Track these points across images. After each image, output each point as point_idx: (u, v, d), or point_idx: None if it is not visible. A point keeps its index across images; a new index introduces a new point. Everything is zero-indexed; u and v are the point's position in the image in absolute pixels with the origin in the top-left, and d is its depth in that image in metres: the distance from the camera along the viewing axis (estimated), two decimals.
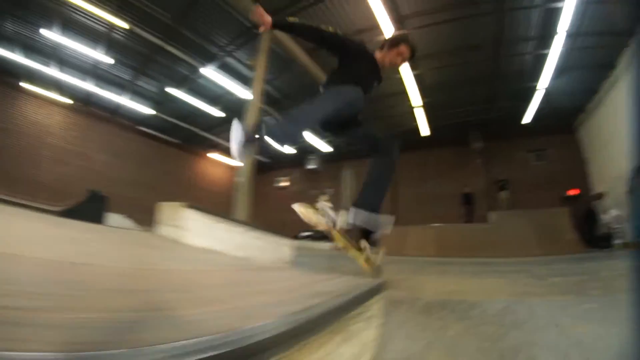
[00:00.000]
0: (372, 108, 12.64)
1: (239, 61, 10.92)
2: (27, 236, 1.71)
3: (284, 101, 12.76)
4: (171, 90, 12.99)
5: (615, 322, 1.31)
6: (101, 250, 1.78)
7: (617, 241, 7.76)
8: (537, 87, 10.91)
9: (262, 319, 0.53)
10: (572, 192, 12.22)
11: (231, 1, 8.59)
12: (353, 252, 2.48)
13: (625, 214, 7.09)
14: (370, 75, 2.43)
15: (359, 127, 2.48)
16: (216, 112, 14.18)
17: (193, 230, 2.70)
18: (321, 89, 2.46)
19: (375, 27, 9.06)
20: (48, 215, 4.59)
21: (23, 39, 11.79)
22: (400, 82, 11.05)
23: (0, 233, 1.59)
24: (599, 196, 9.70)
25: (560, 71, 10.03)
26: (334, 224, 2.50)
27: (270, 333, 0.49)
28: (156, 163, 17.63)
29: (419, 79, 11.11)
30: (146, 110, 15.00)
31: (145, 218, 12.65)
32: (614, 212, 8.31)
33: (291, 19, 2.30)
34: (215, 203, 17.40)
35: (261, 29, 2.18)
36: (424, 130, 14.21)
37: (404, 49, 2.36)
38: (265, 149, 1.85)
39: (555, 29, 8.55)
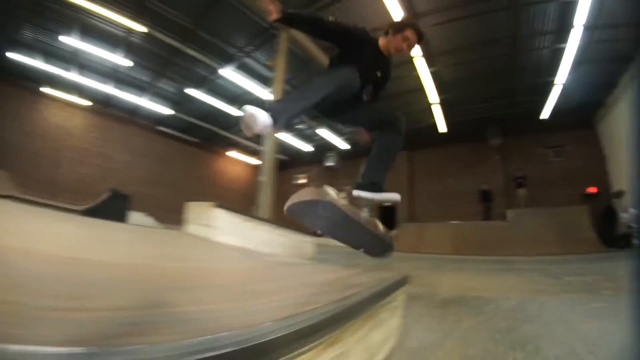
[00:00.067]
0: (390, 105, 12.68)
1: (257, 61, 11.08)
2: (77, 238, 1.88)
3: None
4: (190, 91, 13.25)
5: (622, 320, 1.40)
6: (157, 252, 1.95)
7: (636, 241, 7.61)
8: (555, 82, 10.73)
9: (314, 305, 0.67)
10: (591, 190, 12.00)
11: (248, 3, 8.74)
12: None
13: None
14: (372, 62, 2.29)
15: (362, 108, 2.39)
16: (235, 112, 14.33)
17: (222, 228, 2.86)
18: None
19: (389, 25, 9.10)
20: (75, 215, 4.83)
21: (42, 45, 12.14)
22: (417, 79, 11.08)
23: (53, 237, 1.76)
24: (619, 194, 9.50)
25: (577, 65, 9.86)
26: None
27: (321, 317, 0.62)
28: (176, 162, 17.95)
29: (436, 76, 11.09)
30: (165, 110, 15.31)
31: (165, 216, 13.06)
32: (633, 211, 8.16)
33: (290, 11, 2.19)
34: (235, 201, 17.59)
35: (272, 17, 2.06)
36: (442, 126, 14.15)
37: (409, 33, 2.20)
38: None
39: (572, 22, 8.42)
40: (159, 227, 9.00)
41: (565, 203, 10.46)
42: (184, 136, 17.54)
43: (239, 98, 13.36)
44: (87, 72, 13.30)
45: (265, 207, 7.59)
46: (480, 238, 9.31)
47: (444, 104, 12.54)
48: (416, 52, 9.94)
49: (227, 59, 11.11)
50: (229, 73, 11.52)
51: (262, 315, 0.60)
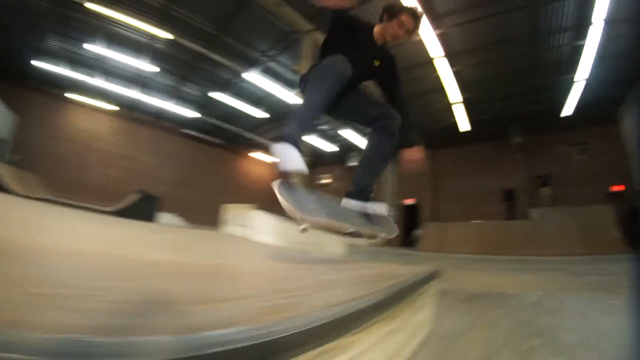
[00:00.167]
0: (413, 104, 12.75)
1: (281, 65, 11.30)
2: (112, 237, 2.09)
3: None
4: (214, 94, 13.57)
5: (634, 316, 1.54)
6: (215, 251, 2.19)
7: None
8: (576, 79, 10.61)
9: (373, 289, 0.87)
10: (617, 188, 11.72)
11: (271, 8, 8.97)
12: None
13: None
14: (365, 50, 2.16)
15: (359, 102, 2.23)
16: (259, 113, 14.63)
17: (260, 228, 3.10)
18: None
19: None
20: (107, 216, 5.12)
21: (67, 53, 12.55)
22: (438, 79, 11.14)
23: (92, 235, 1.99)
24: None
25: (599, 61, 9.72)
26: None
27: (377, 299, 0.82)
28: (201, 163, 18.37)
29: (457, 75, 11.11)
30: (190, 113, 15.65)
31: (192, 216, 13.47)
32: None
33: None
34: (259, 201, 17.98)
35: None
36: (464, 125, 14.12)
37: (405, 18, 2.06)
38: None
39: (591, 18, 8.32)
40: (191, 227, 9.35)
41: (590, 202, 10.31)
42: (209, 138, 17.94)
43: (263, 100, 13.64)
44: (112, 77, 13.74)
45: None
46: (503, 238, 9.26)
47: (466, 103, 12.53)
48: (437, 52, 10.01)
49: (251, 63, 11.38)
50: (253, 76, 11.77)
51: (327, 302, 0.78)
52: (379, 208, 2.16)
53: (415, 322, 1.12)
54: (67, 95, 15.07)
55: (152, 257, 1.36)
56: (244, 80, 12.28)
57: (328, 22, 2.15)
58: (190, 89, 13.87)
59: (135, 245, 1.70)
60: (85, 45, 11.66)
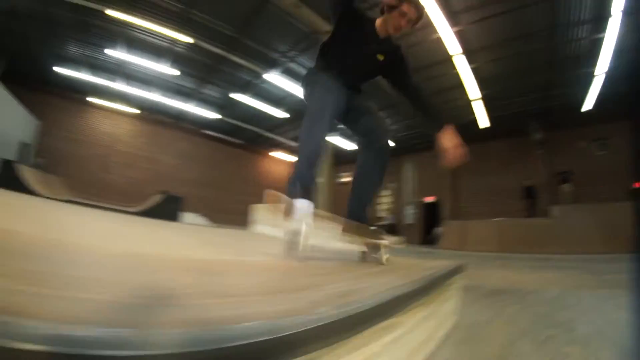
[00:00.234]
0: (433, 102, 12.75)
1: (302, 66, 11.39)
2: (138, 236, 2.25)
3: None
4: (235, 96, 13.76)
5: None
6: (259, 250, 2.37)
7: None
8: (596, 73, 10.40)
9: (411, 279, 1.02)
10: (639, 185, 11.42)
11: (290, 10, 9.11)
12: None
13: None
14: (367, 47, 2.08)
15: (361, 110, 2.17)
16: (279, 114, 14.77)
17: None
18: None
19: (428, 25, 9.23)
20: (132, 216, 5.37)
21: (88, 58, 12.85)
22: (456, 76, 11.13)
23: (136, 236, 2.17)
24: None
25: (619, 53, 9.50)
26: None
27: (418, 285, 0.97)
28: (222, 164, 18.63)
29: (476, 72, 11.06)
30: (211, 115, 15.88)
31: (215, 215, 13.79)
32: None
33: None
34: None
35: None
36: (483, 122, 14.00)
37: (406, 7, 1.98)
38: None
39: (610, 10, 8.17)
40: (216, 226, 9.61)
41: (612, 199, 10.12)
42: (229, 138, 18.12)
43: (283, 100, 13.81)
44: (133, 81, 14.06)
45: (324, 207, 8.07)
46: (524, 235, 9.23)
47: (485, 99, 12.45)
48: (455, 49, 10.01)
49: (271, 64, 11.52)
50: (273, 77, 11.93)
51: (373, 289, 0.93)
52: (374, 232, 2.03)
53: (444, 310, 1.26)
54: (88, 99, 15.47)
55: (189, 254, 1.51)
56: (264, 81, 12.42)
57: (336, 19, 2.05)
58: (211, 91, 14.09)
59: (162, 243, 1.89)
60: (106, 51, 11.95)
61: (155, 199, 10.79)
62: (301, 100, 2.24)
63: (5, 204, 2.63)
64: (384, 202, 19.11)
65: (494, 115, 13.51)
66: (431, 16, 8.82)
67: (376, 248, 1.92)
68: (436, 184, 16.86)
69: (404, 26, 2.01)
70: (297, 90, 12.43)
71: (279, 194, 1.77)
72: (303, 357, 0.47)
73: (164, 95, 14.82)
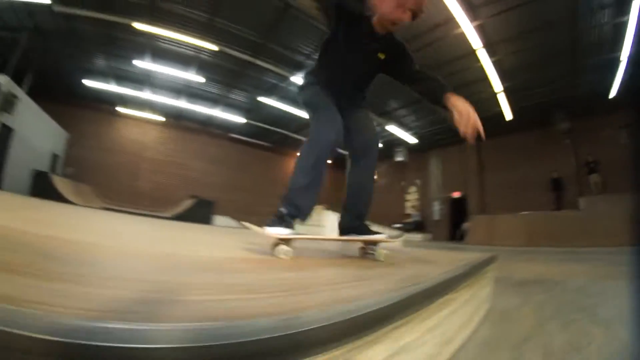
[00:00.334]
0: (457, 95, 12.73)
1: None
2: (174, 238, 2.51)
3: (373, 100, 13.19)
4: (262, 99, 14.04)
5: None
6: None
7: None
8: (621, 57, 10.14)
9: (454, 266, 1.25)
10: None
11: (312, 13, 9.29)
12: None
13: None
14: (366, 47, 1.96)
15: (354, 129, 2.10)
16: (306, 114, 15.03)
17: (330, 227, 3.54)
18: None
19: (450, 20, 9.30)
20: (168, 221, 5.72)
21: (115, 70, 13.34)
22: (481, 69, 11.16)
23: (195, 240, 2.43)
24: None
25: None
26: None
27: (456, 272, 1.19)
28: (249, 166, 18.87)
29: (498, 65, 11.05)
30: (237, 119, 16.20)
31: (245, 218, 14.13)
32: None
33: None
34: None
35: None
36: (507, 115, 13.92)
37: None
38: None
39: None
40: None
41: None
42: (257, 141, 18.40)
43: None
44: (159, 90, 14.45)
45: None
46: (552, 229, 9.12)
47: (508, 91, 12.37)
48: (477, 43, 10.02)
49: (296, 67, 11.78)
50: (299, 80, 12.18)
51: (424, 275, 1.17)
52: (380, 237, 1.89)
53: (482, 295, 1.49)
54: (116, 109, 16.00)
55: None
56: (290, 84, 12.62)
57: (335, 19, 1.93)
58: (237, 95, 14.40)
59: (201, 244, 2.12)
60: (133, 62, 12.45)
61: (187, 203, 11.25)
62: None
63: (45, 212, 2.88)
64: (411, 199, 19.06)
65: (518, 107, 13.39)
66: (451, 10, 8.93)
67: (372, 245, 1.92)
68: (462, 179, 16.76)
69: (406, 18, 1.80)
70: None
71: (250, 225, 1.71)
72: (401, 320, 0.70)
73: (190, 101, 15.20)
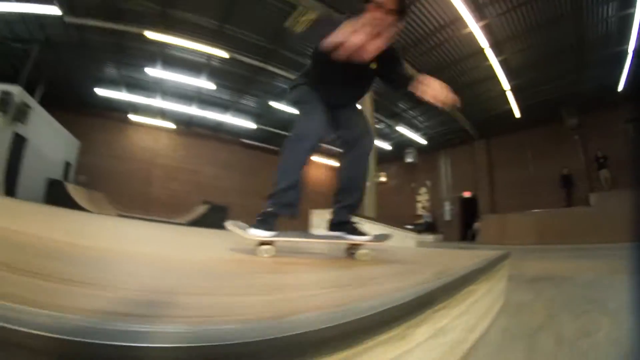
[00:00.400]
0: (465, 95, 12.83)
1: None
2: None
3: (382, 101, 13.32)
4: (272, 104, 14.20)
5: None
6: None
7: None
8: (628, 50, 10.11)
9: (472, 261, 1.40)
10: None
11: (322, 18, 9.46)
12: None
13: None
14: (354, 65, 1.77)
15: (345, 123, 2.12)
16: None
17: None
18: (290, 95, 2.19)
19: (457, 20, 9.42)
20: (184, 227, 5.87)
21: (126, 79, 13.52)
22: (489, 68, 11.26)
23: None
24: None
25: None
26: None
27: (478, 266, 1.34)
28: (260, 171, 18.27)
29: (505, 63, 11.13)
30: (248, 124, 16.33)
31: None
32: None
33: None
34: (320, 203, 17.99)
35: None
36: (517, 112, 13.97)
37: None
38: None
39: None
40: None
41: None
42: (268, 146, 18.40)
43: None
44: (171, 97, 14.56)
45: (370, 209, 8.43)
46: (563, 226, 9.08)
47: (515, 89, 12.41)
48: (484, 43, 10.12)
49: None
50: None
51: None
52: (365, 239, 1.95)
53: (496, 290, 1.64)
54: (128, 117, 16.14)
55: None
56: None
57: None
58: (248, 101, 14.57)
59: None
60: (145, 70, 12.60)
61: (201, 209, 11.42)
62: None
63: (61, 220, 2.99)
64: (421, 200, 19.08)
65: (526, 105, 13.41)
66: (458, 10, 9.05)
67: (356, 246, 1.96)
68: (472, 179, 16.77)
69: (385, 19, 1.73)
70: None
71: (233, 227, 1.70)
72: (438, 306, 0.86)
73: (201, 108, 15.35)
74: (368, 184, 9.08)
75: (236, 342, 0.41)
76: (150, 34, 10.56)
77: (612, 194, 9.78)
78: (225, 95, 14.31)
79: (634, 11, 8.78)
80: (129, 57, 12.14)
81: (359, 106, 2.26)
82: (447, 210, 17.67)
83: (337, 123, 2.12)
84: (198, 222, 9.93)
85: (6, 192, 9.26)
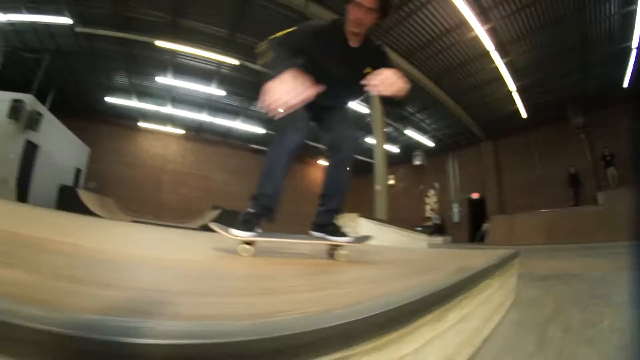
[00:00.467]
0: (471, 97, 12.94)
1: None
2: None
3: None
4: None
5: None
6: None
7: None
8: (632, 46, 10.22)
9: (487, 258, 1.56)
10: None
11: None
12: None
13: None
14: (348, 68, 1.90)
15: (331, 127, 2.12)
16: None
17: (365, 233, 3.86)
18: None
19: (463, 24, 9.57)
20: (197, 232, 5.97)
21: (136, 87, 13.78)
22: (495, 70, 11.44)
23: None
24: None
25: None
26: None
27: (492, 262, 1.50)
28: None
29: (510, 65, 11.30)
30: (257, 129, 16.57)
31: (270, 227, 14.38)
32: None
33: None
34: None
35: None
36: (523, 112, 14.12)
37: None
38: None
39: None
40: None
41: None
42: None
43: None
44: (181, 104, 14.82)
45: (382, 212, 8.61)
46: (571, 225, 9.18)
47: (521, 90, 12.56)
48: (489, 45, 10.25)
49: None
50: None
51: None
52: (345, 240, 2.01)
53: (508, 286, 1.79)
54: (137, 124, 16.44)
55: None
56: None
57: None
58: (258, 107, 14.73)
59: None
60: (154, 78, 12.84)
61: (213, 214, 11.57)
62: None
63: (78, 226, 3.10)
64: (430, 202, 19.18)
65: (532, 105, 13.53)
66: (463, 14, 9.21)
67: (336, 247, 2.01)
68: (480, 180, 16.86)
69: (363, 17, 1.71)
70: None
71: (216, 227, 1.74)
72: (461, 295, 1.02)
73: (211, 114, 15.57)
74: (379, 187, 9.34)
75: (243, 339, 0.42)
76: (160, 43, 10.81)
77: (619, 192, 9.80)
78: (235, 102, 14.53)
79: (636, 8, 8.88)
80: (139, 65, 12.39)
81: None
82: (456, 212, 17.72)
83: (325, 125, 2.13)
84: (209, 228, 10.03)
85: (19, 198, 9.46)
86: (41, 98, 11.13)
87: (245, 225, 1.75)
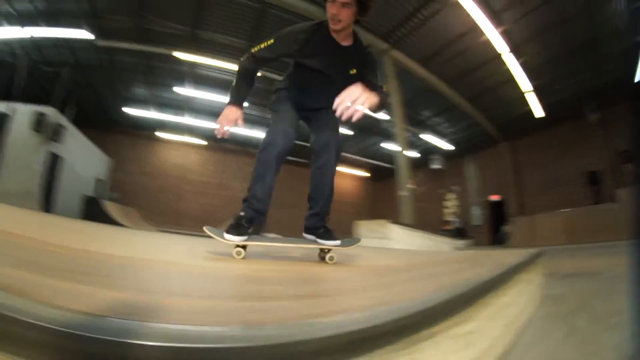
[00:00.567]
0: (487, 99, 12.95)
1: None
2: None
3: (407, 110, 13.53)
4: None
5: None
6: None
7: None
8: None
9: (517, 255, 1.76)
10: None
11: None
12: None
13: None
14: (336, 69, 1.98)
15: (318, 128, 2.20)
16: (344, 130, 15.47)
17: (397, 239, 4.06)
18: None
19: (475, 28, 9.68)
20: None
21: (154, 98, 14.03)
22: (507, 72, 11.55)
23: None
24: None
25: None
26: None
27: (522, 259, 1.70)
28: (291, 183, 17.98)
29: (524, 65, 11.37)
30: None
31: (289, 233, 14.46)
32: None
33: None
34: (347, 213, 17.97)
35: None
36: (538, 112, 14.06)
37: None
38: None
39: None
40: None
41: None
42: (295, 159, 18.84)
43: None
44: (200, 114, 15.06)
45: (408, 216, 8.81)
46: (591, 224, 9.12)
47: (536, 89, 12.60)
48: (502, 48, 10.33)
49: None
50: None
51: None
52: (332, 244, 2.07)
53: (536, 282, 1.99)
54: (156, 134, 16.72)
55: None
56: None
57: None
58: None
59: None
60: (173, 89, 13.08)
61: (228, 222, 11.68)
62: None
63: (105, 235, 3.30)
64: (450, 205, 19.11)
65: (547, 104, 13.48)
66: (475, 19, 9.34)
67: (327, 249, 2.07)
68: (499, 182, 16.83)
69: (338, 14, 1.76)
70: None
71: (210, 232, 1.84)
72: (500, 289, 1.23)
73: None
74: (404, 193, 9.51)
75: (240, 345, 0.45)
76: (179, 54, 11.09)
77: (638, 189, 9.64)
78: (253, 111, 14.74)
79: None
80: (158, 76, 12.67)
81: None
82: (476, 214, 17.66)
83: (313, 126, 2.22)
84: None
85: (43, 208, 9.74)
86: (61, 109, 11.46)
87: (237, 230, 1.84)
